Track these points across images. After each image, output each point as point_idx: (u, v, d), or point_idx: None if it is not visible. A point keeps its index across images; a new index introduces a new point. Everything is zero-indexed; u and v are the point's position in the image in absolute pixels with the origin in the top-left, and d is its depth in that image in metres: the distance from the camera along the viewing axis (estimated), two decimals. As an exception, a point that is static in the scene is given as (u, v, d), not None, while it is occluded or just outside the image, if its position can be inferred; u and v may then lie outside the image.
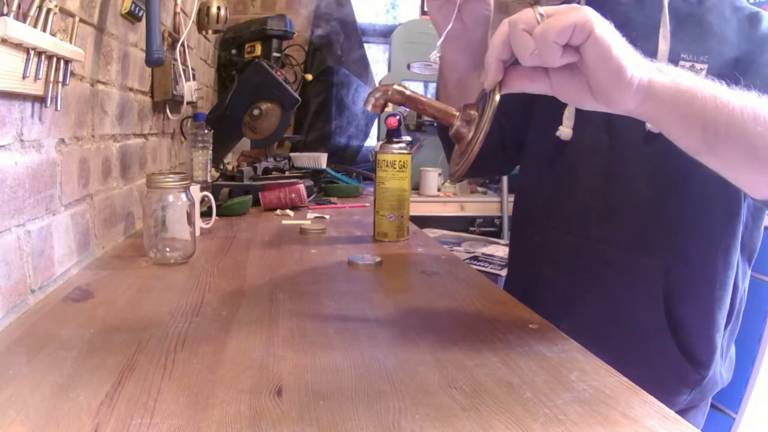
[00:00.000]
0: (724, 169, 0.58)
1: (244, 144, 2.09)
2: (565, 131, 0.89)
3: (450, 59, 0.80)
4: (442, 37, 0.72)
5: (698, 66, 0.69)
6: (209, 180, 1.53)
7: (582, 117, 0.88)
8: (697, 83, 0.53)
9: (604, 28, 0.49)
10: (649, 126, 0.79)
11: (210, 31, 1.76)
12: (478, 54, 0.79)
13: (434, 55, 0.76)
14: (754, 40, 0.76)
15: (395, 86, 0.62)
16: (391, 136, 1.14)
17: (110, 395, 0.48)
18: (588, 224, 0.89)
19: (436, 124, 0.99)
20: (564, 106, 0.89)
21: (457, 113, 0.60)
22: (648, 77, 0.52)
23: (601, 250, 0.86)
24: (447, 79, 0.82)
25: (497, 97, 0.55)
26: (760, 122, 0.53)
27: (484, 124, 0.56)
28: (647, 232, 0.83)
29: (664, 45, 0.79)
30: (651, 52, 0.54)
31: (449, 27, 0.70)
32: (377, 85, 2.60)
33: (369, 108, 0.63)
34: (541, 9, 0.50)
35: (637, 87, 0.51)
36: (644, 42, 0.54)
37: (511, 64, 0.55)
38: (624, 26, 0.52)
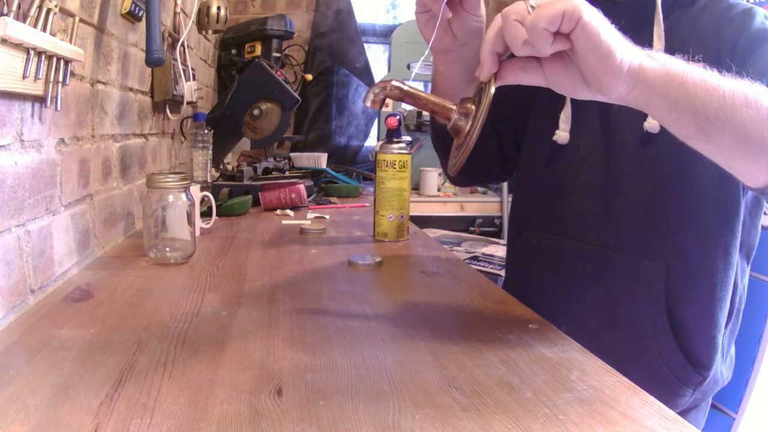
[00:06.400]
0: (718, 155, 0.59)
1: (244, 144, 2.09)
2: (562, 135, 0.89)
3: (443, 73, 0.79)
4: (427, 51, 0.72)
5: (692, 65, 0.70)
6: (209, 180, 1.53)
7: (579, 121, 0.88)
8: (687, 68, 0.54)
9: (592, 15, 0.50)
10: (646, 126, 0.79)
11: (210, 31, 1.76)
12: (472, 68, 0.79)
13: (415, 68, 0.76)
14: (748, 36, 0.76)
15: (393, 82, 0.63)
16: (391, 136, 1.14)
17: (110, 395, 0.48)
18: (587, 228, 0.88)
19: (430, 134, 0.99)
20: (560, 109, 0.89)
21: (455, 107, 0.61)
22: (638, 62, 0.53)
23: (601, 254, 0.86)
24: (441, 93, 0.80)
25: (492, 90, 0.56)
26: (751, 106, 0.54)
27: (480, 115, 0.57)
28: (647, 235, 0.83)
29: (658, 44, 0.79)
30: None
31: (432, 40, 0.70)
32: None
33: (368, 104, 0.64)
34: (533, 1, 0.51)
35: (628, 71, 0.53)
36: (638, 41, 0.55)
37: (507, 58, 0.56)
38: (618, 25, 0.53)
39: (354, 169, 2.13)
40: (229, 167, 1.76)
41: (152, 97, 1.29)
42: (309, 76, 2.34)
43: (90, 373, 0.52)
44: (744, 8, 0.79)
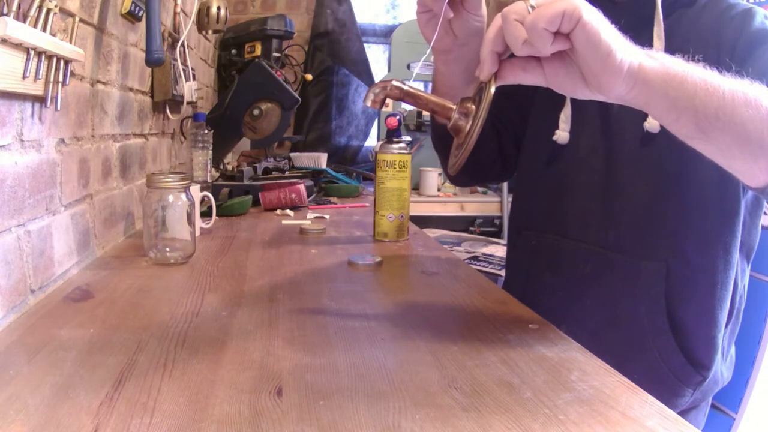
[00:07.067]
0: (718, 155, 0.59)
1: (244, 144, 2.09)
2: (562, 135, 0.89)
3: (443, 73, 0.79)
4: (428, 51, 0.72)
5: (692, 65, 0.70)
6: (209, 180, 1.53)
7: (578, 121, 0.88)
8: (687, 68, 0.54)
9: (592, 15, 0.50)
10: (646, 126, 0.79)
11: (210, 31, 1.76)
12: (472, 68, 0.79)
13: (416, 68, 0.76)
14: (748, 36, 0.76)
15: (394, 82, 0.63)
16: (391, 136, 1.14)
17: (110, 395, 0.48)
18: (587, 228, 0.88)
19: (430, 134, 0.99)
20: (560, 109, 0.89)
21: (455, 107, 0.61)
22: (638, 61, 0.53)
23: (601, 254, 0.86)
24: (441, 93, 0.80)
25: (493, 89, 0.56)
26: (751, 105, 0.54)
27: (480, 114, 0.57)
28: (647, 235, 0.83)
29: (658, 44, 0.79)
30: None
31: (433, 40, 0.70)
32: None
33: (369, 103, 0.64)
34: (533, 1, 0.51)
35: (628, 71, 0.53)
36: (638, 41, 0.55)
37: (507, 57, 0.56)
38: (618, 25, 0.53)
39: (354, 169, 2.13)
40: (229, 167, 1.76)
41: (152, 97, 1.29)
42: (309, 76, 2.34)
43: (90, 373, 0.52)
44: (744, 8, 0.79)
